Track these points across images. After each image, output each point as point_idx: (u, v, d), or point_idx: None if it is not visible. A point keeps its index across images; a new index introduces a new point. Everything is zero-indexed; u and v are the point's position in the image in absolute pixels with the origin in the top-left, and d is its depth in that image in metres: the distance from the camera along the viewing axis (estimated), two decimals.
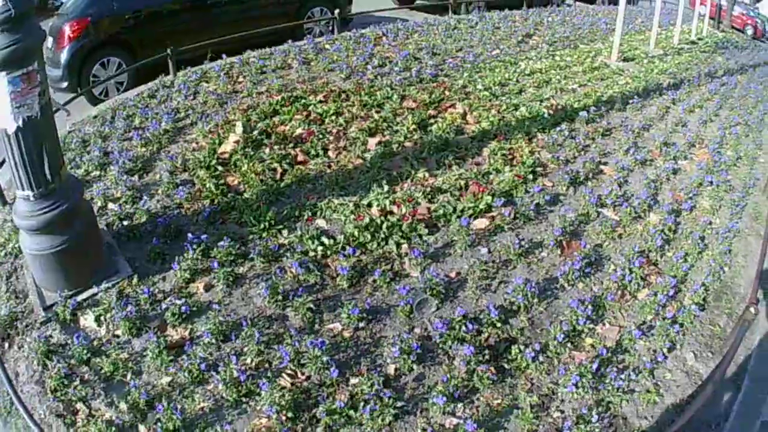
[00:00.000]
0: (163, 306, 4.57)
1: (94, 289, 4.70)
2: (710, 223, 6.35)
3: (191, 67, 9.27)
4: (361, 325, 4.48)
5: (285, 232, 5.27)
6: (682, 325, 4.88)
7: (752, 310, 4.38)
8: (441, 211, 5.57)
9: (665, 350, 4.64)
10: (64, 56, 9.60)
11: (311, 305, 4.49)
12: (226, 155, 6.48)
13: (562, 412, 4.06)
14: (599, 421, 3.96)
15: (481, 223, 5.56)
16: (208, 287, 4.78)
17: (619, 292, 5.06)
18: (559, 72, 10.08)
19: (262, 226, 5.29)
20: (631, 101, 8.92)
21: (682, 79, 11.45)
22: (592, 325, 4.68)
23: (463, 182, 6.07)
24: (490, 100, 8.30)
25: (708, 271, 5.54)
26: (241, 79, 8.82)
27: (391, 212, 5.52)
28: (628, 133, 7.86)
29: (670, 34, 16.61)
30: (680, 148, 7.85)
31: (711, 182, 7.18)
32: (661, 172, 7.03)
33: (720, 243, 6.02)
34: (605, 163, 7.07)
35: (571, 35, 13.55)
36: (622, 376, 4.25)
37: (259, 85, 8.53)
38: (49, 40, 9.79)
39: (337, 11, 11.78)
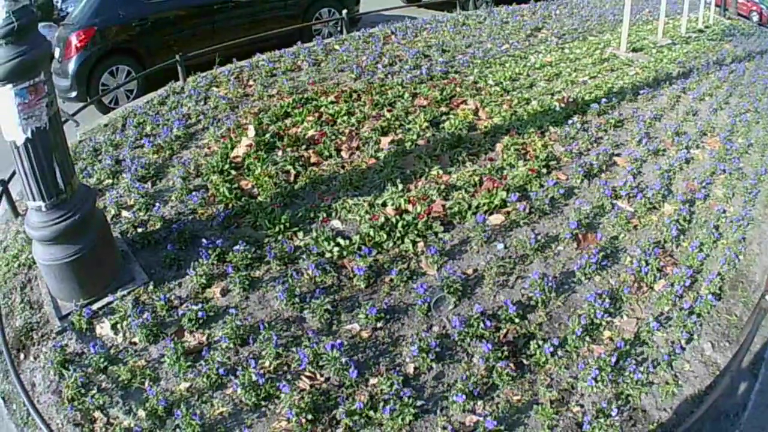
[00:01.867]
0: (180, 312, 4.52)
1: (110, 298, 4.65)
2: (724, 212, 6.23)
3: (201, 73, 9.19)
4: (379, 325, 4.41)
5: (300, 234, 5.20)
6: (699, 315, 4.79)
7: (767, 298, 4.27)
8: (456, 208, 5.47)
9: (683, 341, 4.55)
10: (71, 66, 9.53)
11: (328, 306, 4.42)
12: (239, 159, 6.42)
13: (582, 406, 3.99)
14: (619, 414, 3.89)
15: (496, 218, 5.46)
16: (225, 292, 4.72)
17: (636, 284, 4.96)
18: (569, 65, 9.94)
19: (277, 228, 5.22)
20: (641, 91, 8.78)
21: (691, 68, 11.28)
22: (609, 318, 4.59)
23: (477, 178, 5.97)
24: (501, 95, 8.18)
25: (723, 260, 5.43)
26: (251, 82, 8.75)
27: (407, 211, 5.44)
28: (639, 123, 7.72)
29: (677, 23, 16.41)
30: (692, 137, 7.72)
31: (724, 170, 7.06)
32: (674, 162, 6.89)
33: (734, 232, 5.91)
34: (618, 155, 6.95)
35: (579, 27, 13.40)
36: (641, 369, 4.16)
37: (270, 88, 8.46)
38: (57, 51, 9.72)
39: (345, 11, 11.66)
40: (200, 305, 4.50)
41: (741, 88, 11.33)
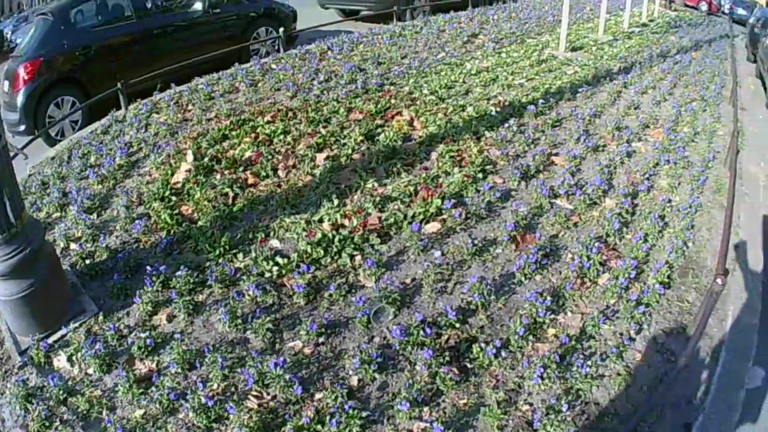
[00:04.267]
0: (130, 340, 4.67)
1: (64, 330, 4.79)
2: (669, 201, 6.57)
3: (142, 100, 9.46)
4: (321, 340, 4.60)
5: (240, 256, 5.39)
6: (648, 305, 5.04)
7: (719, 281, 4.50)
8: (392, 219, 5.72)
9: (632, 332, 4.78)
10: (20, 99, 9.73)
11: (270, 326, 4.60)
12: (179, 185, 6.63)
13: (531, 405, 4.18)
14: (570, 409, 4.07)
15: (432, 227, 5.71)
16: (171, 318, 4.89)
17: (579, 280, 5.21)
18: (506, 68, 10.36)
19: (217, 252, 5.42)
20: (580, 90, 9.17)
21: (633, 62, 11.76)
22: (553, 316, 4.82)
23: (412, 188, 6.24)
24: (436, 104, 8.53)
25: (671, 248, 5.73)
26: (190, 107, 9.02)
27: (343, 225, 5.67)
28: (578, 121, 8.10)
29: (620, 19, 17.01)
30: (634, 130, 8.10)
31: (668, 161, 7.40)
32: (615, 157, 7.26)
33: (681, 220, 6.25)
34: (556, 154, 7.29)
35: (517, 31, 13.87)
36: (589, 363, 4.35)
37: (208, 112, 8.73)
38: (5, 84, 9.95)
39: (281, 30, 12.18)
40: (148, 333, 4.65)
41: (686, 78, 11.82)
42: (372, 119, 7.97)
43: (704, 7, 43.82)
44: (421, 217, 5.80)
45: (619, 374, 4.41)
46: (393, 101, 8.65)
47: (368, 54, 11.41)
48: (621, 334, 4.77)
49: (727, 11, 47.03)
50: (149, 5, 11.42)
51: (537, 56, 11.30)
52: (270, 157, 6.99)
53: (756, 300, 5.52)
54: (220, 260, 5.35)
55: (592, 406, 4.22)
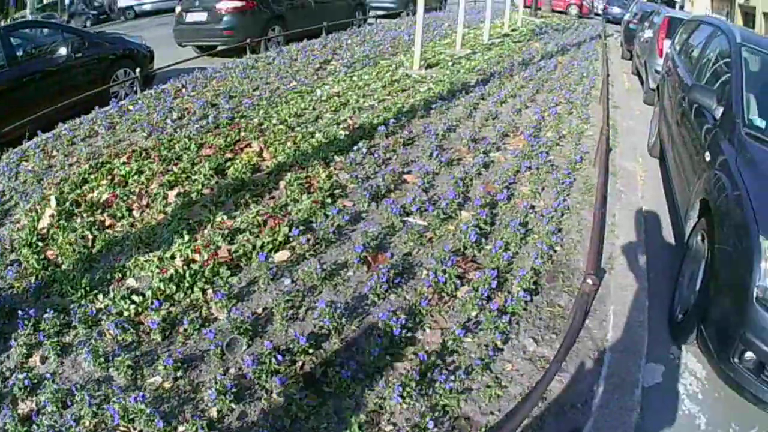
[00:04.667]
0: (11, 382, 4.80)
1: None
2: (532, 207, 6.99)
3: (14, 148, 9.61)
4: (179, 374, 4.74)
5: (100, 297, 5.61)
6: (513, 313, 5.33)
7: (589, 281, 4.67)
8: (241, 251, 5.99)
9: (498, 342, 5.03)
10: None
11: (130, 363, 4.76)
12: (44, 230, 6.84)
13: (395, 424, 4.36)
14: (438, 426, 4.26)
15: (282, 255, 5.96)
16: (44, 359, 5.04)
17: (436, 296, 5.49)
18: (357, 92, 10.80)
19: (79, 294, 5.65)
20: (434, 106, 9.62)
21: (492, 73, 12.37)
22: (410, 334, 5.05)
23: (261, 219, 6.52)
24: (285, 133, 8.88)
25: (536, 254, 6.08)
26: (54, 153, 9.24)
27: (194, 260, 5.92)
28: (431, 137, 8.52)
29: (480, 32, 17.82)
30: (491, 140, 8.56)
31: (529, 167, 7.86)
32: (471, 169, 7.67)
33: (546, 224, 6.63)
34: (408, 172, 7.67)
35: (371, 53, 14.39)
36: (453, 377, 4.57)
37: (70, 157, 8.94)
38: None
39: (138, 70, 12.64)
40: (25, 374, 4.78)
41: (550, 83, 12.49)
42: (222, 153, 8.30)
43: (574, 10, 46.11)
44: (270, 246, 6.07)
45: (488, 386, 4.62)
46: (243, 134, 9.00)
47: (221, 89, 11.79)
48: (486, 345, 5.01)
49: (601, 12, 49.63)
50: (20, 53, 11.73)
51: (390, 77, 11.79)
52: (125, 197, 7.28)
53: (641, 297, 5.90)
54: (83, 302, 5.58)
55: (462, 421, 4.39)
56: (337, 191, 7.13)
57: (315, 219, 6.54)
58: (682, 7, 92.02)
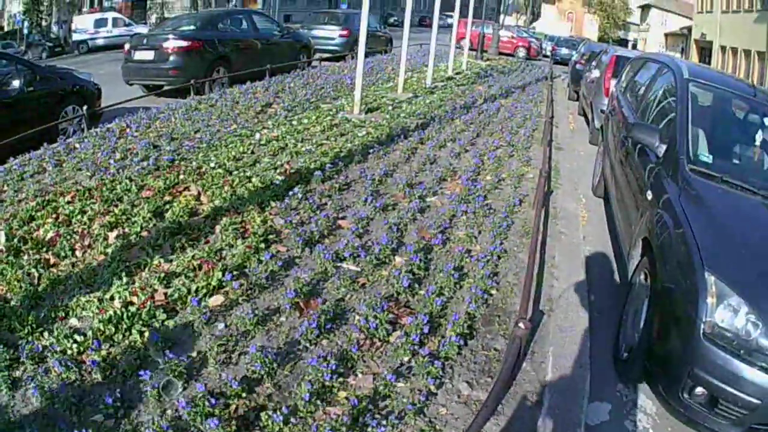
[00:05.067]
0: None
1: None
2: (469, 252, 7.08)
3: None
4: (120, 414, 4.75)
5: (46, 334, 5.62)
6: (446, 358, 5.39)
7: (521, 325, 4.81)
8: (176, 295, 6.04)
9: (432, 387, 5.08)
10: None
11: (73, 401, 4.79)
12: None
13: None
14: None
15: (216, 300, 6.01)
16: None
17: (368, 341, 5.54)
18: (296, 136, 10.91)
19: (26, 330, 5.67)
20: (371, 150, 9.73)
21: (433, 117, 12.55)
22: (342, 379, 5.10)
23: (196, 263, 6.57)
24: (223, 177, 8.94)
25: (469, 298, 6.14)
26: (5, 187, 9.18)
27: (132, 302, 5.98)
28: (367, 183, 8.64)
29: (423, 75, 18.06)
30: (428, 185, 8.67)
31: (465, 211, 7.98)
32: (406, 214, 7.78)
33: (482, 268, 6.70)
34: (343, 218, 7.74)
35: (312, 97, 14.54)
36: (385, 422, 4.61)
37: (20, 193, 8.90)
38: None
39: (85, 108, 12.67)
40: None
41: (491, 127, 12.68)
42: (161, 196, 8.35)
43: (522, 52, 46.93)
44: (204, 291, 6.12)
45: (422, 430, 4.67)
46: (182, 176, 9.04)
47: (164, 130, 11.85)
48: (419, 390, 5.04)
49: (549, 53, 50.55)
50: None
51: (330, 121, 11.93)
52: (69, 237, 7.30)
53: (582, 337, 6.00)
54: (30, 338, 5.60)
55: None
56: (271, 236, 7.18)
57: (249, 264, 6.57)
58: (634, 46, 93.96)
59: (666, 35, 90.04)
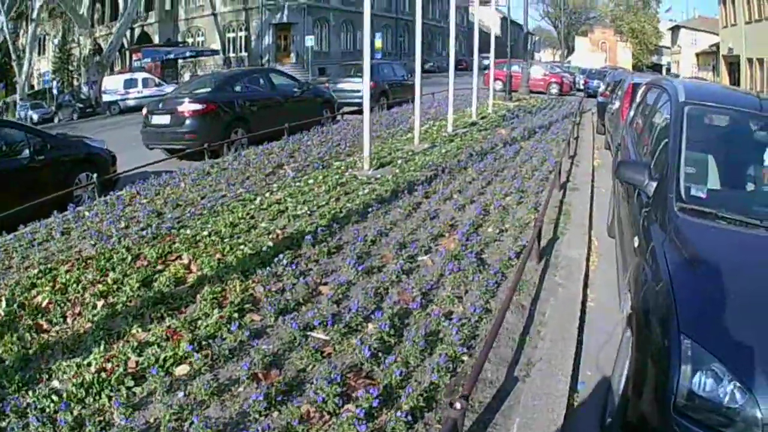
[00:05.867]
0: None
1: None
2: (450, 314, 7.04)
3: None
4: None
5: (30, 393, 6.14)
6: None
7: (457, 405, 4.50)
8: (146, 363, 6.39)
9: None
10: None
11: None
12: None
13: None
14: None
15: (182, 369, 6.30)
16: None
17: (318, 414, 5.59)
18: (298, 198, 11.19)
19: (13, 388, 6.24)
20: (371, 209, 9.89)
21: (444, 168, 12.63)
22: None
23: (171, 332, 6.90)
24: (215, 245, 9.22)
25: (432, 367, 6.03)
26: (14, 255, 9.70)
27: (105, 369, 6.38)
28: (357, 245, 8.79)
29: (445, 122, 18.19)
30: (421, 243, 8.76)
31: (452, 269, 7.97)
32: (390, 276, 7.87)
33: (456, 333, 6.54)
34: (325, 283, 7.88)
35: (326, 155, 14.82)
36: None
37: (26, 260, 9.39)
38: None
39: (95, 175, 13.19)
40: None
41: (506, 172, 12.70)
42: (153, 265, 8.69)
43: (555, 89, 46.63)
44: (172, 360, 6.42)
45: None
46: (176, 245, 9.37)
47: (172, 196, 12.22)
48: None
49: (582, 86, 50.11)
50: None
51: (336, 180, 12.16)
52: (62, 304, 7.78)
53: (558, 404, 5.79)
54: (16, 395, 6.15)
55: None
56: (247, 305, 7.41)
57: (220, 334, 6.78)
58: (668, 70, 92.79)
59: (697, 55, 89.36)
